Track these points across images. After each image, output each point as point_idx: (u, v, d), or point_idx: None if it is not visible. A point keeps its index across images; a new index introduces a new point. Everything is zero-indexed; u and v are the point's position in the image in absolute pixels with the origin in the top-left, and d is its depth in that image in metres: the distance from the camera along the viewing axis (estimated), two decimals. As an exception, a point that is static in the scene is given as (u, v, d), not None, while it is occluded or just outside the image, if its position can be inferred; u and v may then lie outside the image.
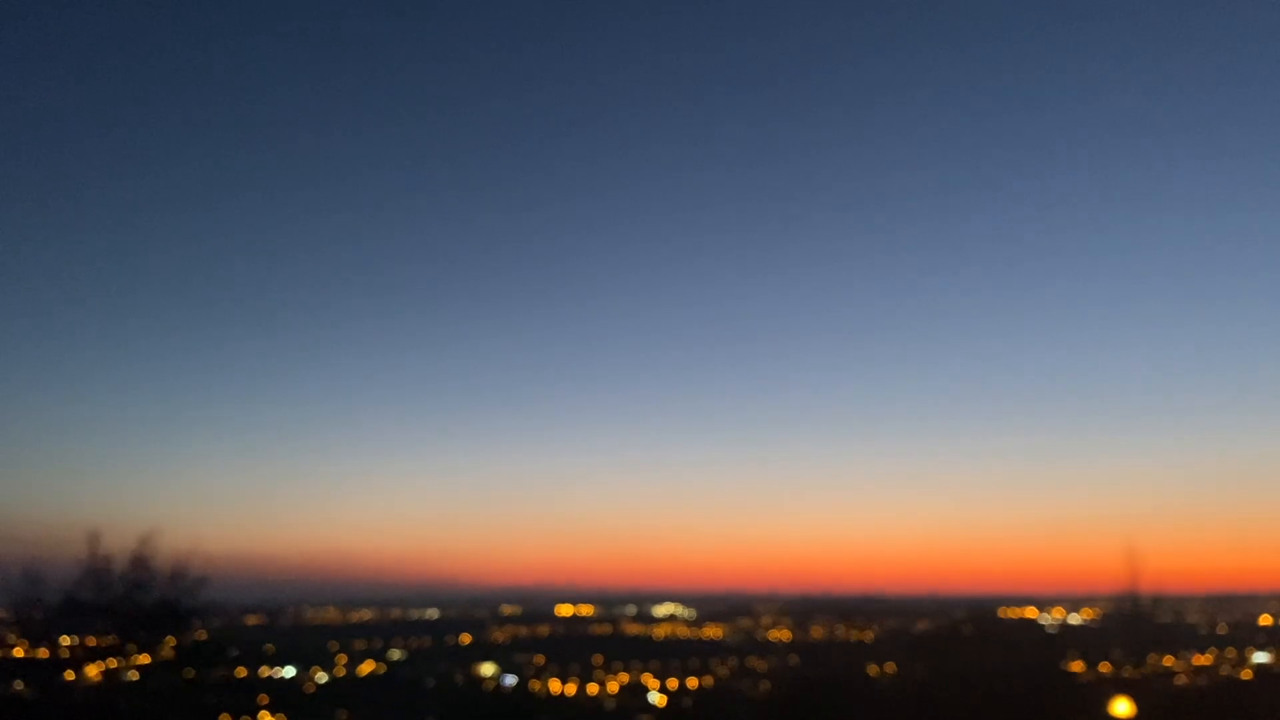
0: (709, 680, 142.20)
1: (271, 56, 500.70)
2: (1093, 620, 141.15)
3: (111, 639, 29.02)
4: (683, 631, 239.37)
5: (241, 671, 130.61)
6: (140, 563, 28.14)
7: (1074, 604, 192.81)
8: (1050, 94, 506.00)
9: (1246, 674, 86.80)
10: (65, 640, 29.43)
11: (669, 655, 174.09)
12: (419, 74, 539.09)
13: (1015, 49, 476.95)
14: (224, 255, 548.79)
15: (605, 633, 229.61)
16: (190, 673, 32.57)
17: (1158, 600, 51.65)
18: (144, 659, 30.14)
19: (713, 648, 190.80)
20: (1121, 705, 42.73)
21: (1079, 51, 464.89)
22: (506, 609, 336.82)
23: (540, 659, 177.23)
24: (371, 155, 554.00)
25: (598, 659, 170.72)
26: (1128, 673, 54.25)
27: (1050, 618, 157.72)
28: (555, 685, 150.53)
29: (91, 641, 29.67)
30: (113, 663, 28.83)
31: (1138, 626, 49.25)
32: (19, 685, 29.85)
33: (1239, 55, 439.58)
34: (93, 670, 29.26)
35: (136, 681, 30.00)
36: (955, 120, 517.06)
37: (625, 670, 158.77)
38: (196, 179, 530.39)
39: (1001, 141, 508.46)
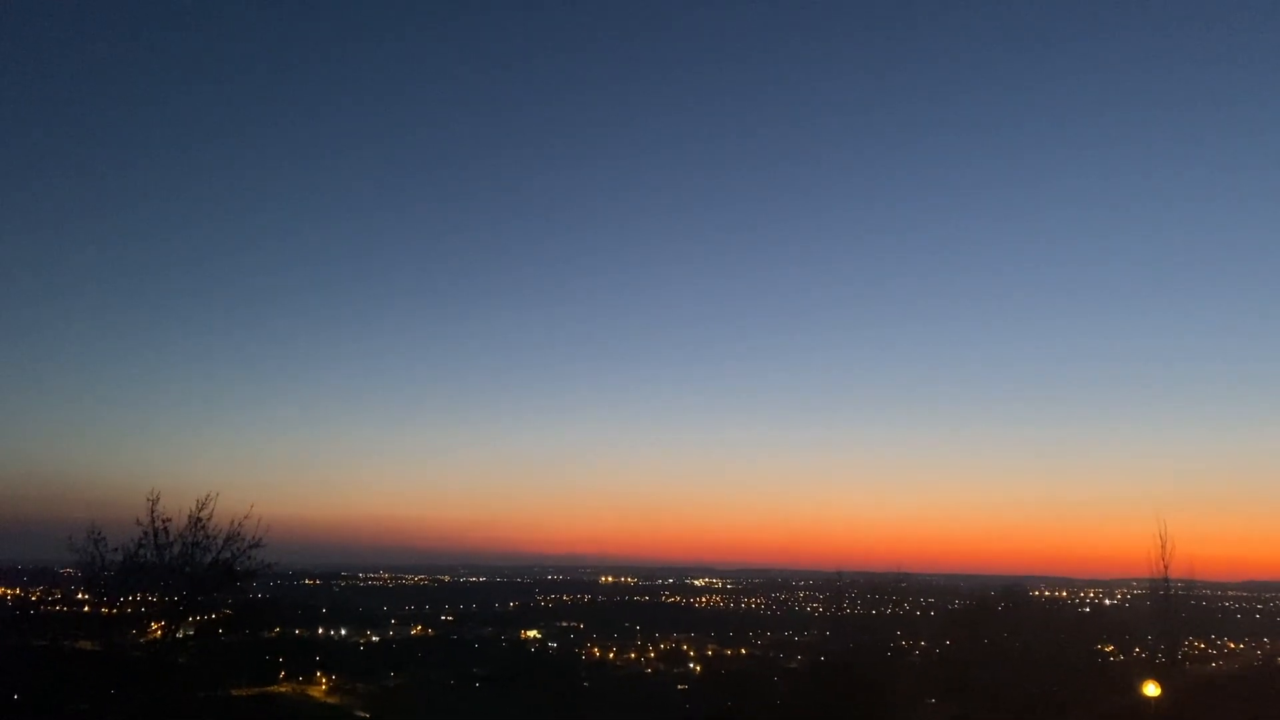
0: (745, 650, 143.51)
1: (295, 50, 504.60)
2: (1126, 603, 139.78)
3: (171, 598, 30.17)
4: (720, 603, 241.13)
5: (297, 632, 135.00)
6: (198, 525, 29.13)
7: (1107, 586, 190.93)
8: (1071, 92, 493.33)
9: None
10: (128, 599, 30.46)
11: (707, 626, 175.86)
12: (437, 76, 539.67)
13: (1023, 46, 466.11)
14: (284, 236, 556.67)
15: (645, 602, 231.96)
16: (247, 632, 33.59)
17: (1191, 585, 51.50)
18: (202, 618, 31.28)
19: (749, 619, 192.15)
20: (1151, 687, 42.82)
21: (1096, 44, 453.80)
22: (551, 577, 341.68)
23: (582, 625, 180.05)
24: (420, 153, 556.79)
25: (638, 627, 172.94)
26: (1160, 656, 54.16)
27: (1083, 599, 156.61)
28: (597, 651, 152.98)
29: (153, 600, 30.80)
30: (172, 622, 29.96)
31: (1171, 611, 49.07)
32: (85, 641, 31.19)
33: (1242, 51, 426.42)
34: (154, 628, 30.40)
35: (195, 639, 31.19)
36: (980, 114, 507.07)
37: (664, 639, 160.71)
38: (258, 161, 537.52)
39: (1027, 131, 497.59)
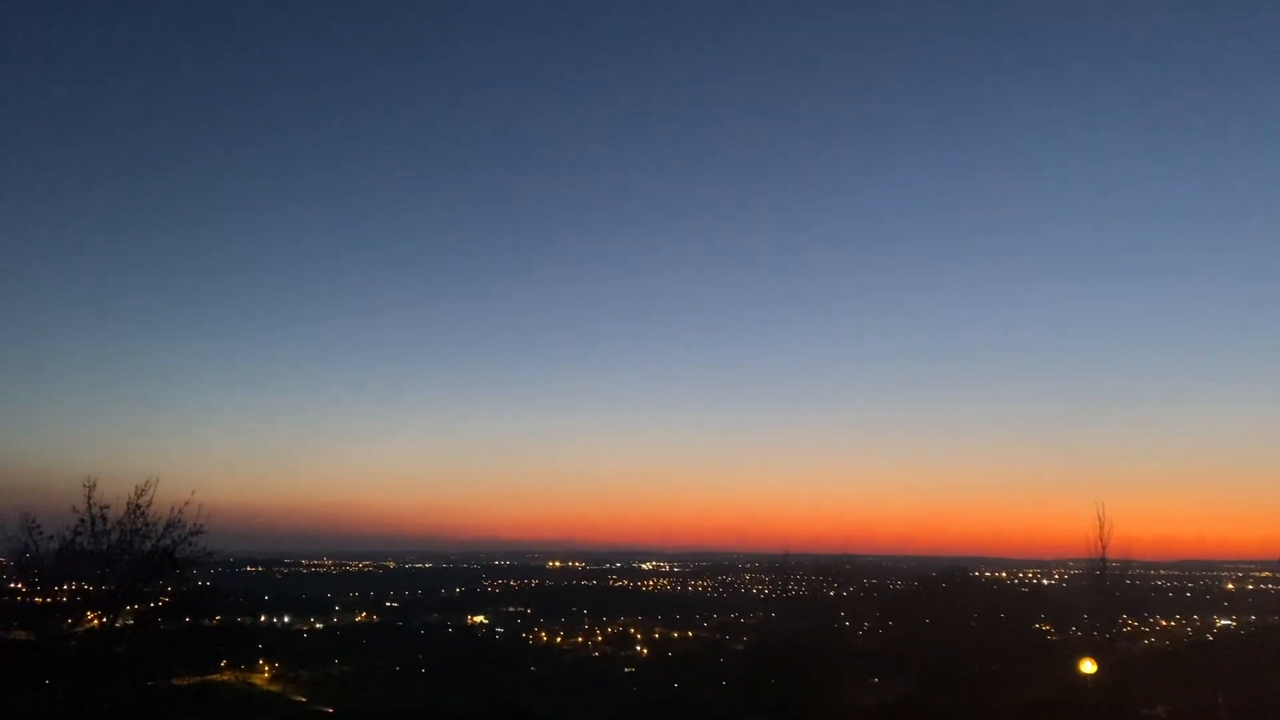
0: (692, 633, 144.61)
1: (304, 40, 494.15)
2: (1063, 583, 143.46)
3: (109, 587, 29.44)
4: (667, 586, 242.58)
5: (240, 620, 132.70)
6: (137, 512, 28.42)
7: (1046, 567, 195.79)
8: (1029, 82, 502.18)
9: (1209, 637, 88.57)
10: (64, 587, 29.70)
11: (654, 609, 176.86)
12: (434, 74, 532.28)
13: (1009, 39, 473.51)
14: (225, 213, 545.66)
15: (593, 586, 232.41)
16: (187, 621, 32.94)
17: (1127, 565, 52.91)
18: (141, 607, 30.59)
19: (696, 602, 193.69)
20: (1087, 664, 43.89)
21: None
22: (498, 563, 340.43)
23: (529, 610, 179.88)
24: (378, 140, 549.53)
25: (585, 611, 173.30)
26: (1096, 634, 55.65)
27: (1023, 579, 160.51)
28: (544, 635, 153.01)
29: (89, 588, 30.04)
30: (110, 610, 29.27)
31: (1106, 590, 50.36)
32: (19, 631, 30.35)
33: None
34: (91, 617, 29.68)
35: (134, 628, 30.50)
36: (943, 108, 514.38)
37: (612, 622, 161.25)
38: (204, 141, 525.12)
39: (981, 127, 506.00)
